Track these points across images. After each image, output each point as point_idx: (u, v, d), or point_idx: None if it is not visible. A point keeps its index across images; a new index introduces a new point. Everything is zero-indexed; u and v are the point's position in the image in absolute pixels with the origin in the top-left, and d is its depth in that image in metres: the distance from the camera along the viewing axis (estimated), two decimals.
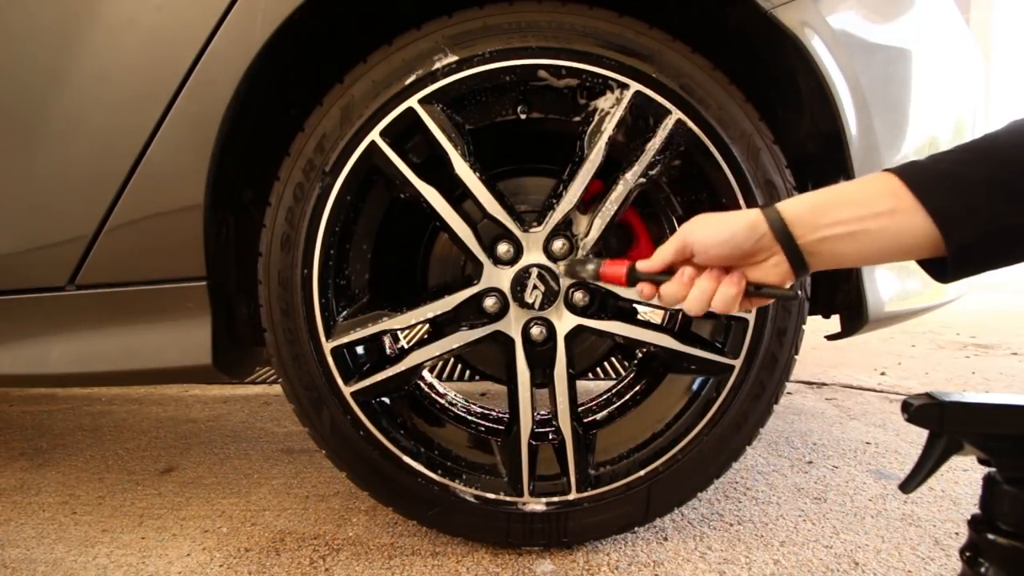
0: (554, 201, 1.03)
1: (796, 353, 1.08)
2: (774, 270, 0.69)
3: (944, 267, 0.61)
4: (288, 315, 1.04)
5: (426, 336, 1.13)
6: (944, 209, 0.58)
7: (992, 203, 0.57)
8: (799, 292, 0.70)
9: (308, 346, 1.04)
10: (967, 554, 0.67)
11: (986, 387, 2.20)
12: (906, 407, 0.66)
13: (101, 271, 1.07)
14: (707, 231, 0.70)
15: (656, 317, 1.35)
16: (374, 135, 1.00)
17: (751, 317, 1.04)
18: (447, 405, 1.23)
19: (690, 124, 1.00)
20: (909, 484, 0.68)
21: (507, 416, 1.17)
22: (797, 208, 0.66)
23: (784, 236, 0.66)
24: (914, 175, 0.60)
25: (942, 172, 0.59)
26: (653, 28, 1.01)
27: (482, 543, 1.15)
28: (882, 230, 0.61)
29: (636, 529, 1.17)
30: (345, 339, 1.04)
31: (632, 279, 0.79)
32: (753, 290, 0.70)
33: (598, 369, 2.25)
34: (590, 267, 0.86)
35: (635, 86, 0.99)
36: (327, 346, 1.04)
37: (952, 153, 0.61)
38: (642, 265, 0.76)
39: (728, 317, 1.06)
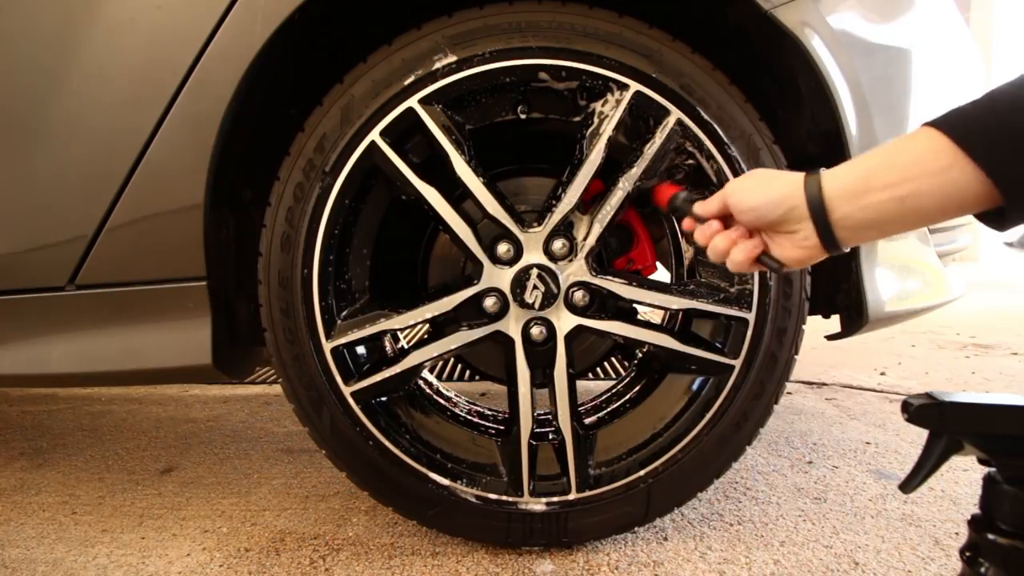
0: (554, 202, 1.03)
1: (796, 353, 1.08)
2: (804, 243, 0.67)
3: (1000, 216, 0.59)
4: (288, 315, 1.04)
5: (426, 336, 1.13)
6: (1001, 167, 0.55)
7: None
8: (783, 266, 0.72)
9: (308, 346, 1.04)
10: (967, 554, 0.67)
11: (986, 387, 2.19)
12: (906, 407, 0.66)
13: (101, 271, 1.07)
14: (742, 194, 0.71)
15: (656, 317, 1.35)
16: (374, 135, 1.00)
17: (751, 317, 1.04)
18: (448, 405, 1.23)
19: (690, 124, 1.00)
20: (909, 484, 0.68)
21: (507, 416, 1.17)
22: (843, 176, 0.63)
23: (817, 211, 0.64)
24: (962, 131, 0.57)
25: (991, 124, 0.56)
26: (653, 28, 1.01)
27: (482, 543, 1.15)
28: (933, 189, 0.58)
29: (636, 529, 1.17)
30: (345, 339, 1.04)
31: (672, 207, 0.84)
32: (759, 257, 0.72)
33: (598, 369, 2.25)
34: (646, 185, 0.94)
35: (635, 86, 0.99)
36: (327, 346, 1.04)
37: (1000, 97, 0.57)
38: (698, 208, 0.78)
39: (727, 317, 1.06)
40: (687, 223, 0.80)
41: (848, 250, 0.67)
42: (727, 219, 0.75)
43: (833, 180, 0.64)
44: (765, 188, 0.69)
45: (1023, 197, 0.56)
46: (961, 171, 0.56)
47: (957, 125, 0.58)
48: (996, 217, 0.59)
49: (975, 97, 0.58)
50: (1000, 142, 0.56)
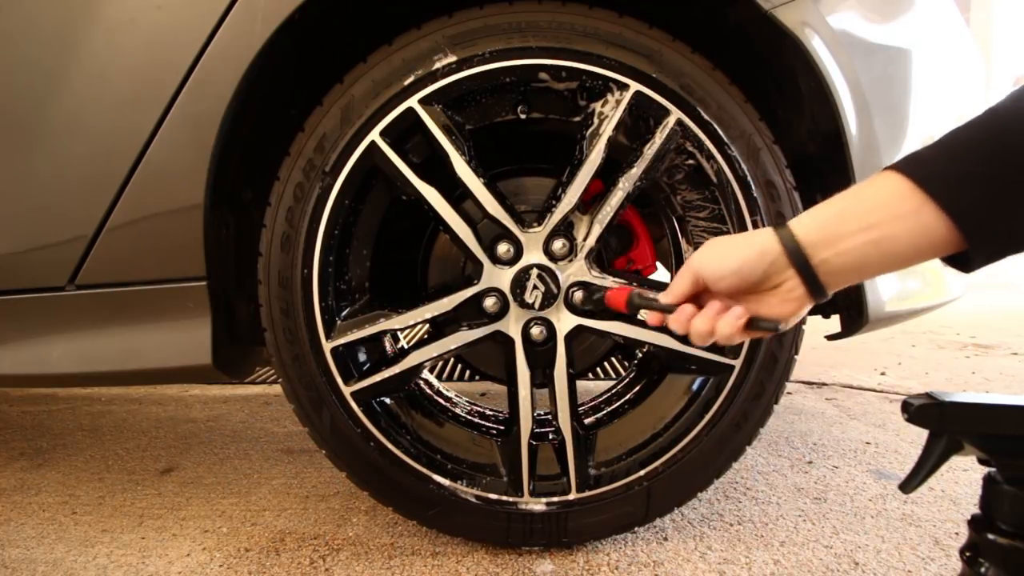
0: (554, 202, 1.03)
1: (796, 353, 1.08)
2: (790, 296, 0.65)
3: (965, 259, 0.59)
4: (288, 315, 1.04)
5: (426, 336, 1.13)
6: (964, 211, 0.56)
7: (1011, 195, 0.55)
8: (781, 326, 0.67)
9: (308, 346, 1.04)
10: (967, 554, 0.67)
11: (986, 387, 2.20)
12: (906, 407, 0.66)
13: (101, 271, 1.07)
14: (716, 262, 0.67)
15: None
16: (374, 135, 1.00)
17: None
18: (448, 405, 1.23)
19: (690, 124, 1.00)
20: (909, 484, 0.68)
21: (507, 416, 1.17)
22: (812, 224, 0.63)
23: (798, 258, 0.62)
24: (925, 175, 0.57)
25: (950, 167, 0.57)
26: (653, 28, 1.01)
27: (482, 543, 1.15)
28: (905, 232, 0.58)
29: (636, 529, 1.17)
30: (345, 339, 1.04)
31: (632, 306, 0.77)
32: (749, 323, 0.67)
33: (598, 369, 2.25)
34: (596, 295, 0.84)
35: (635, 86, 0.99)
36: (327, 346, 1.04)
37: (957, 140, 0.58)
38: (664, 296, 0.73)
39: None
40: (653, 318, 0.74)
41: (831, 295, 0.65)
42: (698, 300, 0.71)
43: (805, 228, 0.63)
44: (738, 250, 0.66)
45: (984, 239, 0.56)
46: (929, 214, 0.57)
47: (918, 168, 0.58)
48: (961, 260, 0.60)
49: (933, 140, 0.59)
50: (958, 184, 0.56)
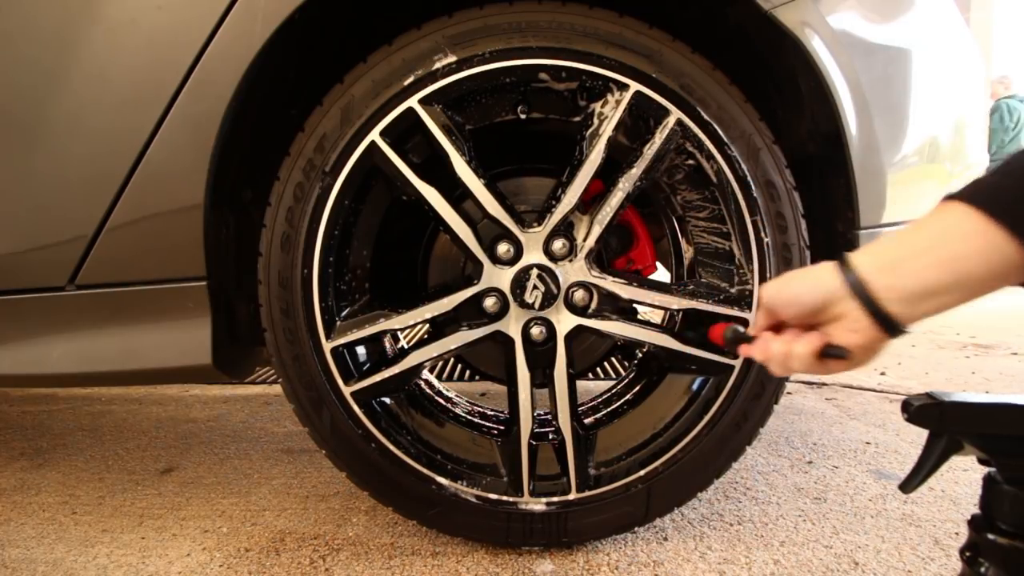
0: (554, 202, 1.03)
1: None
2: (855, 326, 0.62)
3: None
4: (288, 315, 1.04)
5: (426, 336, 1.13)
6: None
7: None
8: (849, 352, 0.64)
9: (308, 346, 1.04)
10: (967, 554, 0.67)
11: (986, 387, 2.19)
12: (906, 407, 0.66)
13: (101, 271, 1.07)
14: (778, 291, 0.69)
15: (656, 317, 1.35)
16: (374, 135, 1.00)
17: (752, 317, 1.04)
18: (448, 405, 1.23)
19: (690, 124, 1.00)
20: (909, 484, 0.68)
21: (507, 416, 1.17)
22: (873, 251, 0.62)
23: (855, 284, 0.61)
24: (986, 200, 0.55)
25: (1018, 192, 0.55)
26: (653, 28, 1.01)
27: (482, 543, 1.15)
28: (973, 252, 0.55)
29: (636, 529, 1.17)
30: (345, 339, 1.04)
31: (728, 341, 0.81)
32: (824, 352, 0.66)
33: (598, 369, 2.25)
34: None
35: (635, 86, 0.99)
36: (327, 346, 1.04)
37: (1017, 163, 0.56)
38: (748, 330, 0.75)
39: (728, 317, 1.06)
40: (744, 350, 0.76)
41: (910, 330, 0.62)
42: (778, 331, 0.72)
43: (863, 254, 0.63)
44: (799, 279, 0.68)
45: None
46: (996, 235, 0.54)
47: (977, 194, 0.56)
48: None
49: (993, 168, 0.57)
50: (1021, 204, 0.54)
